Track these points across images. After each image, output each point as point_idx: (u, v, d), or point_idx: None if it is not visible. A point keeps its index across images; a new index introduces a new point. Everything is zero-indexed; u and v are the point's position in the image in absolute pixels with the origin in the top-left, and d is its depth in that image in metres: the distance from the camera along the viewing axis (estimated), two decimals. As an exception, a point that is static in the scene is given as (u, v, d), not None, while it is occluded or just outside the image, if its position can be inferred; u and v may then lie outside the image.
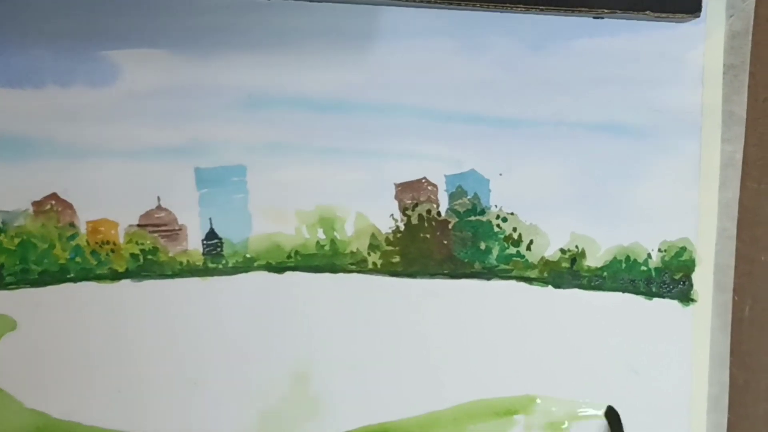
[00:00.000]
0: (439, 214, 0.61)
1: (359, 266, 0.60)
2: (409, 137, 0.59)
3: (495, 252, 0.61)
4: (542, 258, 0.62)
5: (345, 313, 0.60)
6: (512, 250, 0.62)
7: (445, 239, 0.61)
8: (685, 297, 0.63)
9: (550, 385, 0.62)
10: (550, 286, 0.62)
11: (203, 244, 0.58)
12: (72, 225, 0.56)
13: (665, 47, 0.61)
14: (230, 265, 0.58)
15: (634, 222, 0.62)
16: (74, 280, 0.57)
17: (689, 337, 0.63)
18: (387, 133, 0.59)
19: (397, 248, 0.60)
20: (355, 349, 0.60)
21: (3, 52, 0.54)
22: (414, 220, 0.60)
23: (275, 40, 0.57)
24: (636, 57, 0.61)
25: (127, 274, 0.57)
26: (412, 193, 0.60)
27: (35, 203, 0.56)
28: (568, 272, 0.62)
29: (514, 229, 0.61)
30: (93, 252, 0.57)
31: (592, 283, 0.62)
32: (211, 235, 0.58)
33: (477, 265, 0.61)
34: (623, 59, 0.61)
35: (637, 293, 0.63)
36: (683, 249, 0.63)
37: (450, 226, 0.61)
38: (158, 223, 0.57)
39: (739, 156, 0.62)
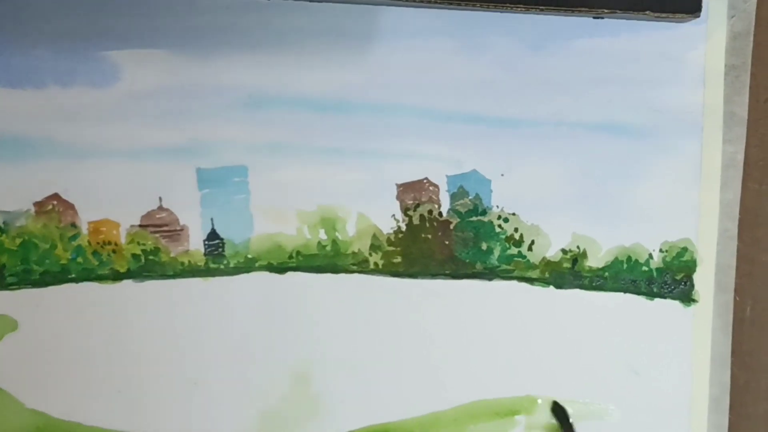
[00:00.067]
0: (440, 214, 0.61)
1: (361, 266, 0.60)
2: (409, 137, 0.59)
3: (496, 252, 0.61)
4: (543, 258, 0.62)
5: (346, 314, 0.60)
6: (514, 250, 0.61)
7: (446, 240, 0.61)
8: (687, 297, 0.63)
9: (551, 385, 0.62)
10: (551, 287, 0.62)
11: (205, 245, 0.58)
12: (73, 225, 0.56)
13: (666, 47, 0.61)
14: (232, 265, 0.58)
15: (636, 222, 0.62)
16: (76, 280, 0.57)
17: (690, 338, 0.63)
18: (388, 133, 0.59)
19: (398, 249, 0.60)
20: (356, 350, 0.60)
21: (3, 52, 0.54)
22: (415, 221, 0.60)
23: (275, 40, 0.57)
24: (636, 57, 0.61)
25: (128, 275, 0.57)
26: (413, 193, 0.60)
27: (37, 203, 0.56)
28: (569, 273, 0.62)
29: (516, 230, 0.61)
30: (94, 252, 0.57)
31: (594, 284, 0.62)
32: (213, 235, 0.58)
33: (478, 266, 0.61)
34: (623, 59, 0.61)
35: (638, 294, 0.63)
36: (684, 249, 0.63)
37: (451, 227, 0.61)
38: (160, 224, 0.57)
39: (741, 157, 0.62)
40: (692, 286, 0.63)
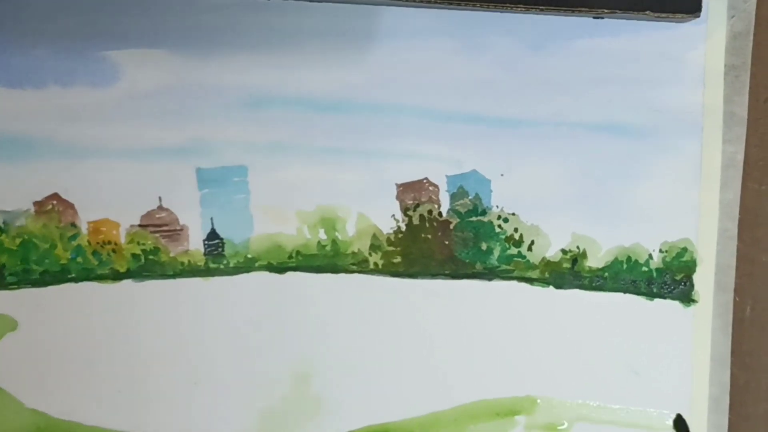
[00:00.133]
0: (440, 214, 0.61)
1: (360, 266, 0.60)
2: (409, 137, 0.59)
3: (496, 252, 0.61)
4: (543, 258, 0.62)
5: (346, 314, 0.60)
6: (513, 250, 0.61)
7: (446, 240, 0.61)
8: (686, 297, 0.63)
9: (552, 385, 0.62)
10: (551, 287, 0.62)
11: (204, 245, 0.58)
12: (73, 225, 0.56)
13: (666, 47, 0.61)
14: (231, 265, 0.58)
15: (635, 222, 0.62)
16: (75, 280, 0.57)
17: (690, 338, 0.63)
18: (388, 133, 0.59)
19: (398, 249, 0.60)
20: (356, 350, 0.60)
21: (3, 52, 0.54)
22: (415, 221, 0.60)
23: (275, 40, 0.57)
24: (636, 57, 0.61)
25: (128, 275, 0.58)
26: (413, 193, 0.60)
27: (36, 203, 0.56)
28: (569, 273, 0.62)
29: (516, 230, 0.61)
30: (94, 252, 0.57)
31: (594, 284, 0.62)
32: (213, 235, 0.58)
33: (478, 266, 0.61)
34: (623, 59, 0.61)
35: (638, 294, 0.62)
36: (684, 250, 0.63)
37: (451, 227, 0.61)
38: (159, 224, 0.57)
39: (741, 157, 0.62)
40: (692, 286, 0.63)
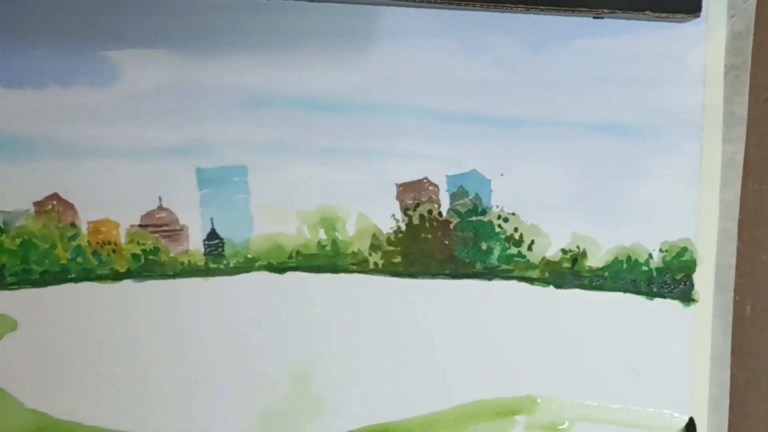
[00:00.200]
0: (440, 214, 0.61)
1: (360, 266, 0.60)
2: (409, 137, 0.59)
3: (496, 252, 0.61)
4: (543, 258, 0.62)
5: (346, 314, 0.60)
6: (513, 250, 0.61)
7: (446, 239, 0.61)
8: (686, 297, 0.63)
9: (552, 385, 0.62)
10: (551, 287, 0.62)
11: (204, 245, 0.58)
12: (73, 225, 0.56)
13: (666, 47, 0.61)
14: (231, 265, 0.58)
15: (635, 222, 0.62)
16: (75, 280, 0.57)
17: (690, 338, 0.63)
18: (388, 133, 0.59)
19: (398, 248, 0.60)
20: (357, 349, 0.60)
21: (3, 52, 0.54)
22: (415, 221, 0.60)
23: (275, 40, 0.57)
24: (636, 57, 0.61)
25: (128, 275, 0.57)
26: (413, 193, 0.60)
27: (36, 203, 0.56)
28: (569, 272, 0.62)
29: (516, 230, 0.61)
30: (94, 252, 0.57)
31: (594, 284, 0.62)
32: (213, 235, 0.58)
33: (478, 266, 0.61)
34: (623, 59, 0.61)
35: (638, 293, 0.63)
36: (684, 249, 0.63)
37: (451, 227, 0.61)
38: (159, 224, 0.57)
39: (741, 156, 0.62)
40: (692, 285, 0.63)
